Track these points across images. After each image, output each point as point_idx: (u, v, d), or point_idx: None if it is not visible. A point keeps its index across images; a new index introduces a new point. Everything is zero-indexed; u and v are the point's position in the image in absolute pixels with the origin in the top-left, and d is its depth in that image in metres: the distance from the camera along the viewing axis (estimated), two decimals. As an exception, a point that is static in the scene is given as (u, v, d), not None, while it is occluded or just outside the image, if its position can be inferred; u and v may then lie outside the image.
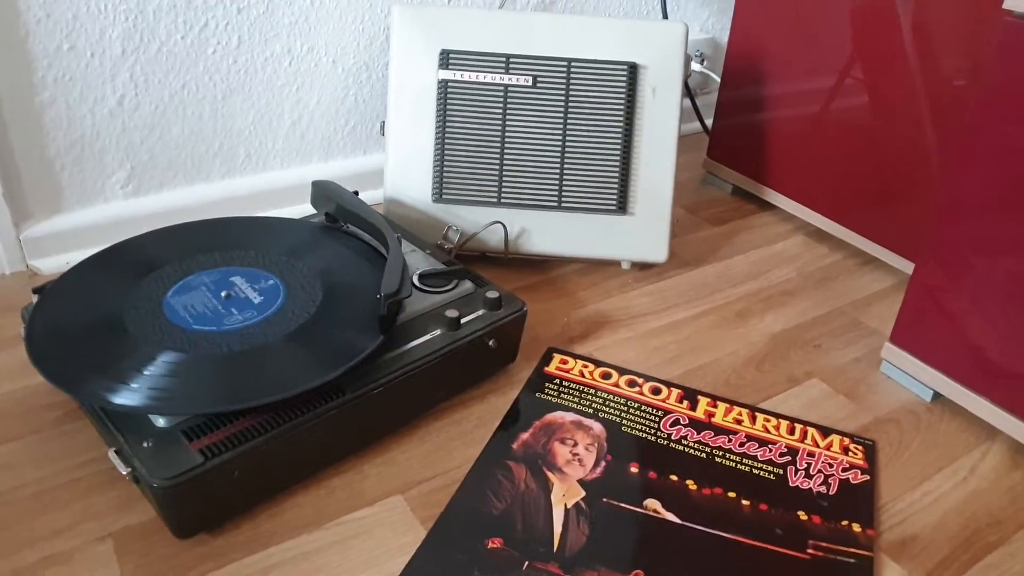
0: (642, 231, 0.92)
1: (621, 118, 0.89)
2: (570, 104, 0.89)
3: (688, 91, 1.26)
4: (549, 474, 0.67)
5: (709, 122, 1.23)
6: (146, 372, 0.61)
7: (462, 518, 0.62)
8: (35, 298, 0.69)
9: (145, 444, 0.56)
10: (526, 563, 0.59)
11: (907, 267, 0.96)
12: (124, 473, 0.56)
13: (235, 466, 0.58)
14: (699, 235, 1.07)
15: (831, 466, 0.69)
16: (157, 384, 0.60)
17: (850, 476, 0.68)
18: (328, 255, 0.78)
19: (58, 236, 0.86)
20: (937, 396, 0.78)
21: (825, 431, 0.73)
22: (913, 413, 0.77)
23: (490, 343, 0.73)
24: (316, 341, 0.67)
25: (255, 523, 0.62)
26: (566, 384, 0.77)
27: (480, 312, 0.75)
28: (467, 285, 0.78)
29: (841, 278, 0.99)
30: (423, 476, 0.67)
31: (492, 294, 0.75)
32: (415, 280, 0.77)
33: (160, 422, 0.58)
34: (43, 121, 0.82)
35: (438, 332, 0.72)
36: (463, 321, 0.73)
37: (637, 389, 0.77)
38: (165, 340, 0.64)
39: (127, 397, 0.59)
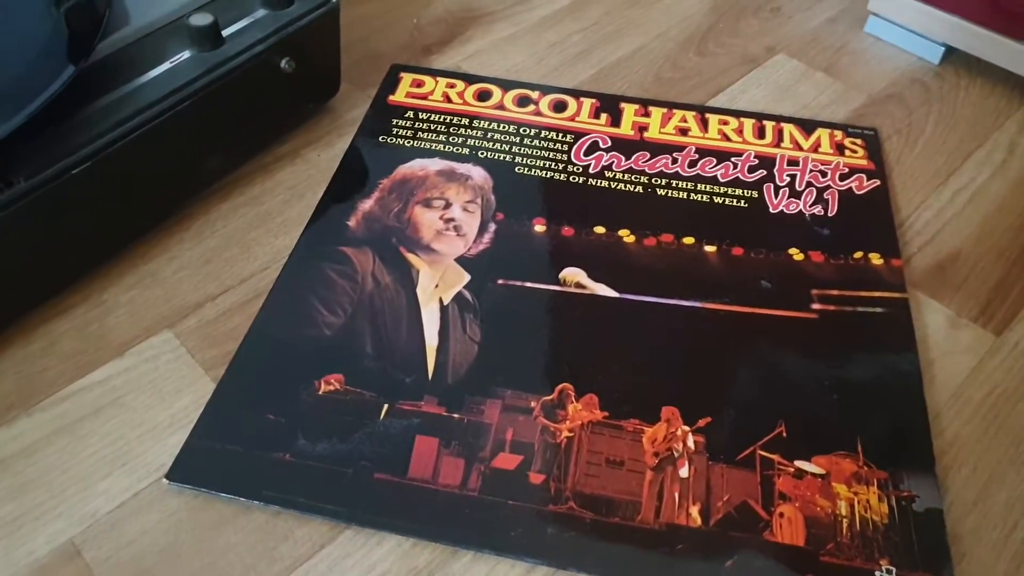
0: None
1: None
2: None
3: None
4: (411, 257, 0.42)
5: None
6: None
7: (272, 352, 0.38)
8: None
9: None
10: (385, 406, 0.36)
11: None
12: None
13: None
14: None
15: (824, 175, 0.47)
16: None
17: (853, 185, 0.46)
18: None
19: None
20: (949, 53, 0.55)
21: (807, 125, 0.50)
22: (919, 82, 0.54)
23: (282, 64, 0.45)
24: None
25: (-87, 424, 0.36)
26: (424, 116, 0.50)
27: (258, 15, 0.45)
28: (230, -27, 0.47)
29: (791, -83, 0.71)
30: (205, 294, 0.41)
31: (271, -20, 0.45)
32: (134, -27, 0.45)
33: None
34: None
35: (185, 55, 0.42)
36: (228, 32, 0.43)
37: (532, 108, 0.51)
38: None
39: None
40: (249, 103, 0.45)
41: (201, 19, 0.42)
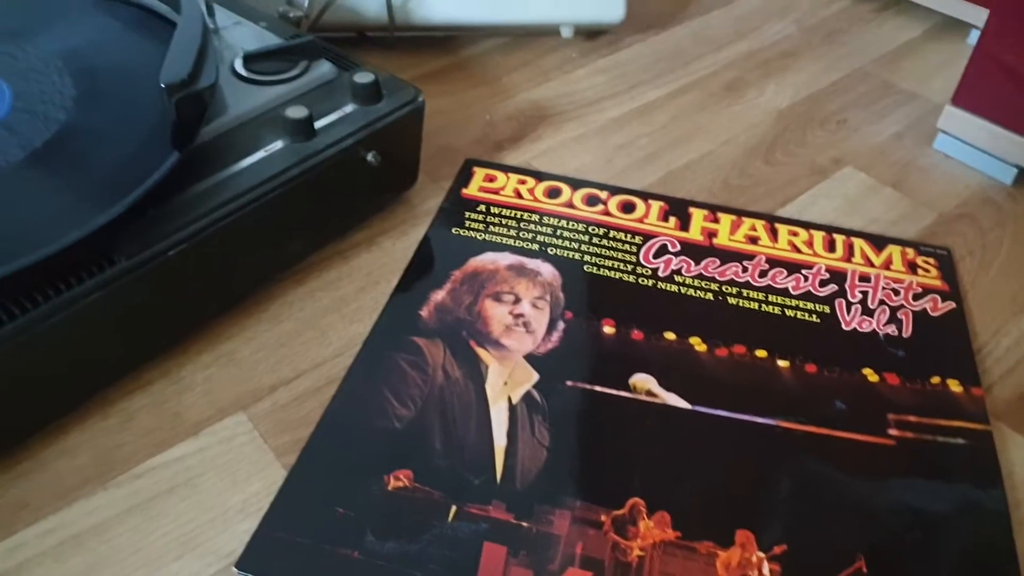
0: (587, -23, 0.63)
1: None
2: None
3: None
4: (481, 351, 0.43)
5: None
6: None
7: (344, 442, 0.38)
8: None
9: None
10: (453, 508, 0.36)
11: (944, 4, 0.70)
12: None
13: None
14: (661, -12, 0.78)
15: (897, 293, 0.47)
16: None
17: (927, 306, 0.46)
18: (88, 35, 0.48)
19: None
20: (1022, 175, 0.55)
21: (877, 241, 0.50)
22: (992, 202, 0.54)
23: (368, 157, 0.46)
24: (64, 172, 0.39)
25: (-9, 493, 0.37)
26: (496, 211, 0.52)
27: (348, 109, 0.47)
28: (324, 68, 0.49)
29: (854, 30, 0.73)
30: (279, 378, 0.42)
31: (364, 78, 0.47)
32: (237, 65, 0.48)
33: None
34: None
35: (279, 145, 0.44)
36: (320, 124, 0.45)
37: (600, 208, 0.52)
38: None
39: None
40: (335, 192, 0.46)
41: (297, 112, 0.44)
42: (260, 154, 0.43)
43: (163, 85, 0.39)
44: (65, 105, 0.43)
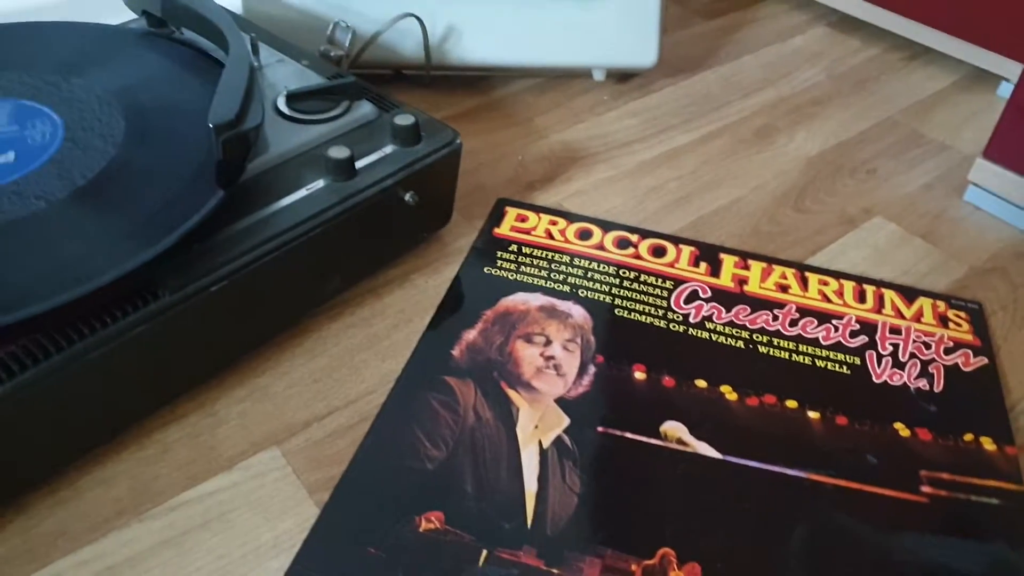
0: (621, 23, 0.64)
1: None
2: None
3: None
4: (512, 393, 0.43)
5: None
6: None
7: (376, 481, 0.39)
8: None
9: None
10: (484, 552, 0.36)
11: (974, 56, 0.70)
12: None
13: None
14: (690, 32, 0.79)
15: (928, 347, 0.47)
16: None
17: (959, 360, 0.46)
18: (137, 72, 0.49)
19: None
20: (1053, 230, 0.55)
21: (908, 293, 0.50)
22: (1023, 256, 0.54)
23: (406, 197, 0.47)
24: (112, 207, 0.40)
25: (28, 518, 0.37)
26: (528, 251, 0.52)
27: (387, 150, 0.48)
28: (365, 109, 0.50)
29: (884, 78, 0.73)
30: (313, 414, 0.42)
31: (404, 120, 0.48)
32: (280, 103, 0.49)
33: None
34: None
35: (320, 184, 0.45)
36: (360, 164, 0.46)
37: (631, 251, 0.53)
38: None
39: None
40: (373, 231, 0.47)
41: (339, 152, 0.45)
42: (302, 192, 0.44)
43: (211, 125, 0.40)
44: (112, 140, 0.44)
